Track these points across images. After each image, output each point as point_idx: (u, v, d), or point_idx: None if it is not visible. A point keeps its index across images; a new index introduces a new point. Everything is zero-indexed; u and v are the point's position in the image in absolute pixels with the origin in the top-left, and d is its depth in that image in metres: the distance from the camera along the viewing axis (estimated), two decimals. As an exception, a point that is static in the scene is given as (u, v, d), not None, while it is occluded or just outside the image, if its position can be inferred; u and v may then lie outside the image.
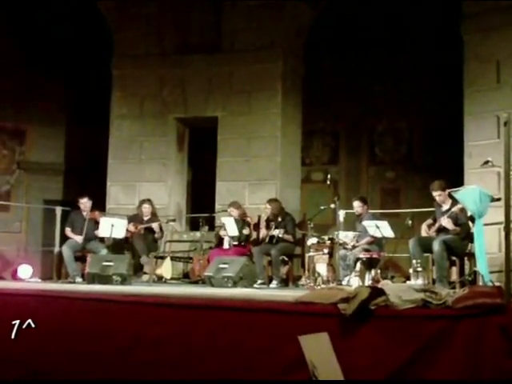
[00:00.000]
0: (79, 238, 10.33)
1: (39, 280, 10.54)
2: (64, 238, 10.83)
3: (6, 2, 13.67)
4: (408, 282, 7.88)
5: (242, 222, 10.40)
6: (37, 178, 15.29)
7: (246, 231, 10.33)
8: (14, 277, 10.64)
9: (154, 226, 10.67)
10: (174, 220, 11.43)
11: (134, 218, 10.83)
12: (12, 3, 13.90)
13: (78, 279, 9.95)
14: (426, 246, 8.27)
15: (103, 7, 12.79)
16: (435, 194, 8.60)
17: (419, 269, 7.55)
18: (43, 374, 6.17)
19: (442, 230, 8.40)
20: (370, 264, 8.64)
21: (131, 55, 12.80)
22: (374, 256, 8.75)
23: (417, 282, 7.32)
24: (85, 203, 10.53)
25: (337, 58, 14.22)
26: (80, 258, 10.35)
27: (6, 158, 15.25)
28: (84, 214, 10.52)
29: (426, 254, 8.38)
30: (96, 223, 10.34)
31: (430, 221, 8.73)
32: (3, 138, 15.23)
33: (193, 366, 5.56)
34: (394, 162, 14.36)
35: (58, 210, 11.62)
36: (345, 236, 9.13)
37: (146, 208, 10.88)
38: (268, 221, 10.21)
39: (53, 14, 14.24)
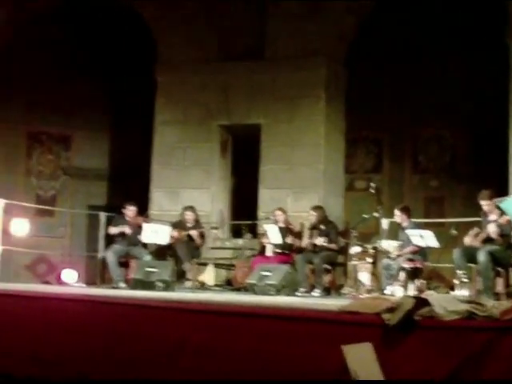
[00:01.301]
0: (127, 229, 10.40)
1: (84, 285, 10.65)
2: (108, 243, 10.93)
3: (48, 11, 13.85)
4: (452, 292, 7.80)
5: (285, 229, 10.38)
6: (81, 183, 15.45)
7: (289, 239, 10.31)
8: (59, 281, 10.77)
9: (193, 233, 10.67)
10: (216, 228, 11.46)
11: (178, 225, 10.88)
12: (55, 13, 14.06)
13: (122, 285, 10.03)
14: (470, 256, 8.15)
15: (146, 15, 12.91)
16: (484, 203, 8.39)
17: (464, 279, 7.46)
18: (85, 374, 6.23)
19: (487, 240, 8.27)
20: (413, 274, 8.56)
21: (174, 62, 12.88)
22: (418, 266, 8.67)
23: (461, 292, 7.24)
24: (133, 211, 10.62)
25: (379, 65, 14.12)
26: (124, 263, 10.44)
27: (52, 164, 15.45)
28: (128, 219, 10.62)
29: (470, 265, 8.28)
30: (139, 228, 10.42)
31: (477, 229, 8.50)
32: (49, 144, 15.44)
33: (235, 373, 5.55)
34: (437, 171, 14.21)
35: (102, 215, 11.75)
36: (388, 245, 9.04)
37: (189, 215, 10.92)
38: (311, 229, 10.18)
39: (95, 22, 14.42)
